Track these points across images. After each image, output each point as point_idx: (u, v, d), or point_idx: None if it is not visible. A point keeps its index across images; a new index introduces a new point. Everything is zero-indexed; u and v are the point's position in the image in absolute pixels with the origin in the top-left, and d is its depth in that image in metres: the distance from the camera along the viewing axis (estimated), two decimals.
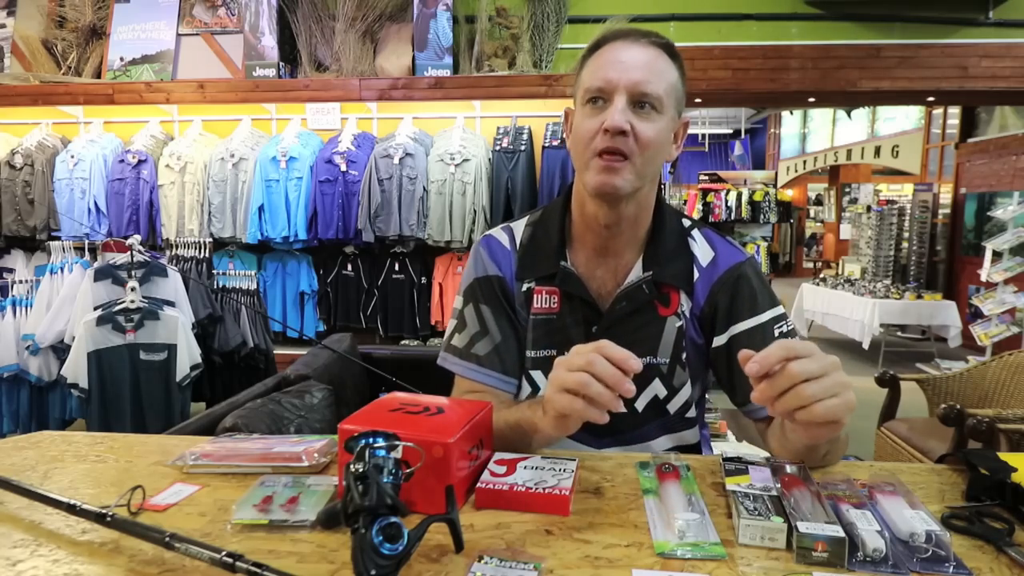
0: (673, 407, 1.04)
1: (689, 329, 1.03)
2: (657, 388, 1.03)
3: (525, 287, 1.06)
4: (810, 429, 0.71)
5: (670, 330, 1.02)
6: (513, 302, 1.07)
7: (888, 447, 2.71)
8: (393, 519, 0.55)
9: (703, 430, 1.12)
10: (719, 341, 1.02)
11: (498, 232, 1.12)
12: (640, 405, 1.03)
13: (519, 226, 1.12)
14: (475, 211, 3.65)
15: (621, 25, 1.02)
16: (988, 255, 5.51)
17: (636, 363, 0.73)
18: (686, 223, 1.09)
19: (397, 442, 0.63)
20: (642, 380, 1.01)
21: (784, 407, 0.69)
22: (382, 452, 0.61)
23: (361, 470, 0.58)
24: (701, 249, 1.06)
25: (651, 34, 0.97)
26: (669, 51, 0.96)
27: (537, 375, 1.05)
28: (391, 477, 0.59)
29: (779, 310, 1.02)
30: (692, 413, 1.06)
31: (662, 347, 1.02)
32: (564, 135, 1.06)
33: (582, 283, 1.03)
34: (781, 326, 1.01)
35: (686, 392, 1.04)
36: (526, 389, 1.06)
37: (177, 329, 2.88)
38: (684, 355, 1.03)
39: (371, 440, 0.62)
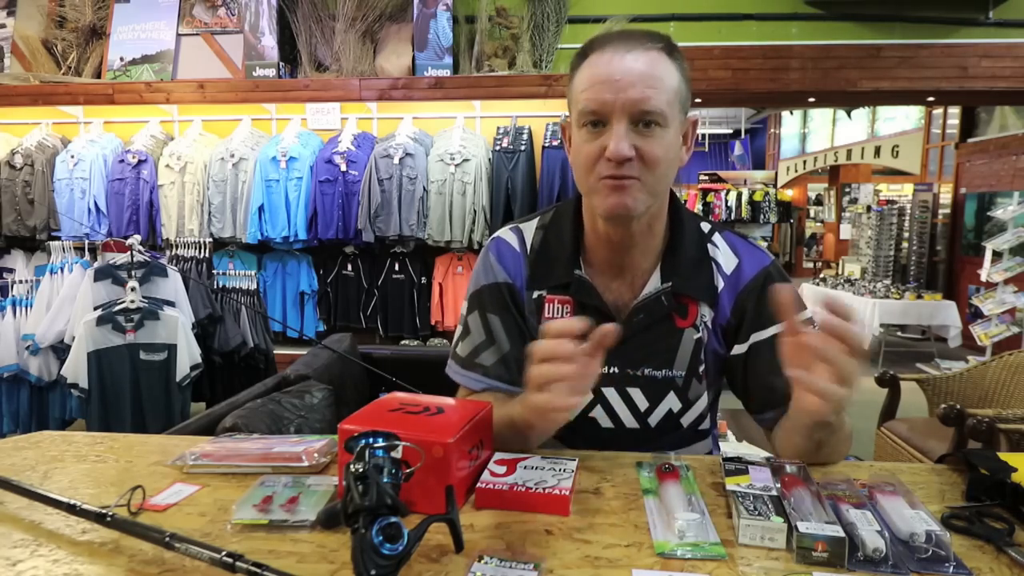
0: (687, 420, 1.00)
1: (711, 340, 0.99)
2: (672, 402, 0.99)
3: (536, 295, 1.01)
4: (799, 402, 0.74)
5: (687, 342, 0.98)
6: (523, 309, 1.02)
7: (888, 447, 2.71)
8: (393, 519, 0.55)
9: (713, 429, 1.09)
10: (739, 350, 0.98)
11: (507, 233, 1.07)
12: (653, 420, 0.99)
13: (529, 228, 1.06)
14: (475, 211, 3.65)
15: (615, 25, 0.98)
16: (988, 255, 5.51)
17: (579, 324, 0.73)
18: (705, 228, 1.03)
19: (397, 442, 0.63)
20: (656, 394, 0.99)
21: (801, 372, 0.70)
22: (382, 452, 0.61)
23: (361, 470, 0.58)
24: (724, 256, 1.00)
25: (644, 35, 0.88)
26: (667, 51, 0.88)
27: None
28: (391, 477, 0.59)
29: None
30: (706, 425, 1.03)
31: (678, 360, 0.98)
32: (564, 149, 1.01)
33: (598, 293, 0.98)
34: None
35: (701, 404, 1.01)
36: None
37: (177, 329, 2.88)
38: (702, 367, 0.99)
39: (371, 440, 0.62)
